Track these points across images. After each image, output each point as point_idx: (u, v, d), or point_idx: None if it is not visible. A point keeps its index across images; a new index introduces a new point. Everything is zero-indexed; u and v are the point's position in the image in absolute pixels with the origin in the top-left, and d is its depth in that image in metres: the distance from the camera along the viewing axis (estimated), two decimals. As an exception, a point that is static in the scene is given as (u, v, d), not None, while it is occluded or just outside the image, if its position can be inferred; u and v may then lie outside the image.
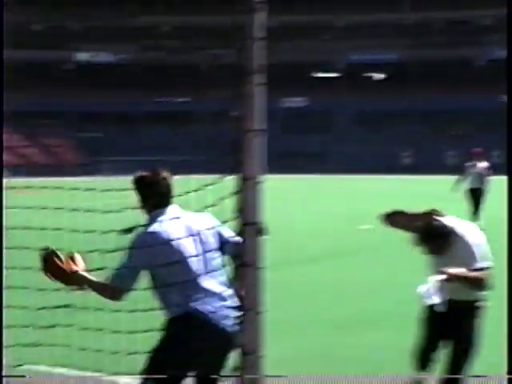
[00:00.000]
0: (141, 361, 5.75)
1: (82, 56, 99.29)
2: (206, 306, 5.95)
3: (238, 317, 5.11)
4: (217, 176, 4.91)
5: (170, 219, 6.00)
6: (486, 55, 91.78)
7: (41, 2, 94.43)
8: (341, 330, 11.75)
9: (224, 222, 4.84)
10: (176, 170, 5.84)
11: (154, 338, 5.79)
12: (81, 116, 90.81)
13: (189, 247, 5.99)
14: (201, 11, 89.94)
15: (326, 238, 24.12)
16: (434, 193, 34.58)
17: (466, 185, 26.36)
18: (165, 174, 6.20)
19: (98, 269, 5.41)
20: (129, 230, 5.25)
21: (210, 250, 6.06)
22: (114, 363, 6.32)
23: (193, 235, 6.03)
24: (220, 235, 6.10)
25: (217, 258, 6.10)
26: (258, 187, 4.70)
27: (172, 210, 6.12)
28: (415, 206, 29.25)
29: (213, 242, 6.09)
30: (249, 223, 4.71)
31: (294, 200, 40.56)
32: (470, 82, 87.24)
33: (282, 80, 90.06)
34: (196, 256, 5.98)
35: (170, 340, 5.95)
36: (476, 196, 25.99)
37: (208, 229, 6.06)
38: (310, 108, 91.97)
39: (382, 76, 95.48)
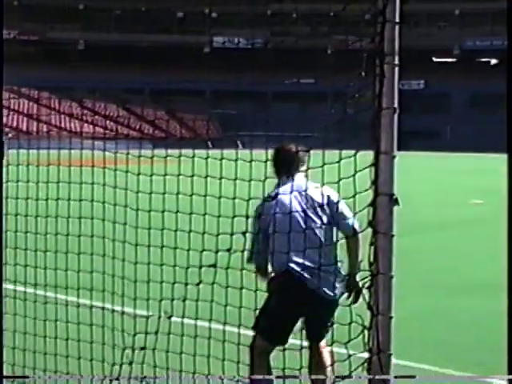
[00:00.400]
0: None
1: (219, 40, 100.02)
2: (299, 268, 5.94)
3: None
4: (351, 151, 4.87)
5: (293, 190, 5.93)
6: None
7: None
8: (453, 294, 11.61)
9: (356, 194, 4.78)
10: (308, 145, 5.81)
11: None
12: (215, 95, 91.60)
13: (302, 217, 5.94)
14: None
15: (444, 209, 23.91)
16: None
17: None
18: (293, 147, 6.19)
19: (243, 232, 5.41)
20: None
21: (322, 223, 5.99)
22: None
23: (309, 207, 5.96)
24: (335, 211, 6.00)
25: (327, 231, 6.04)
26: (392, 161, 4.65)
27: (298, 180, 6.06)
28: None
29: (326, 216, 6.01)
30: (383, 194, 4.67)
31: (416, 175, 40.26)
32: None
33: (402, 64, 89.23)
34: (306, 226, 5.91)
35: (271, 294, 6.00)
36: None
37: (324, 203, 5.97)
38: (427, 90, 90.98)
39: (495, 61, 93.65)
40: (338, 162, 4.97)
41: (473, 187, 32.18)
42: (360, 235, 5.84)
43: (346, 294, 6.10)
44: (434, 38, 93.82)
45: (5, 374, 5.83)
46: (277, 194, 6.00)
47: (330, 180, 5.23)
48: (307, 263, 5.93)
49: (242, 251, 5.51)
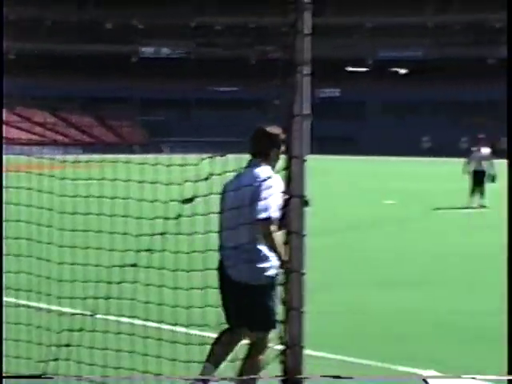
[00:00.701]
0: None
1: (147, 50, 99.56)
2: (224, 257, 5.69)
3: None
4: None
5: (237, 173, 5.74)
6: (497, 54, 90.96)
7: (112, 2, 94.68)
8: (370, 290, 11.69)
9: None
10: (227, 150, 5.75)
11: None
12: (143, 102, 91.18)
13: (228, 200, 5.68)
14: (251, 12, 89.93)
15: (359, 209, 24.06)
16: (448, 174, 34.41)
17: (471, 167, 26.05)
18: (266, 129, 5.86)
19: (161, 233, 5.36)
20: (188, 200, 5.20)
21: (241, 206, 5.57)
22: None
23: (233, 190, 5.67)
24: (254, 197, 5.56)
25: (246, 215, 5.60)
26: (303, 165, 4.68)
27: (249, 163, 5.81)
28: (431, 183, 29.21)
29: (247, 199, 5.60)
30: (295, 196, 4.70)
31: (331, 178, 40.54)
32: (484, 77, 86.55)
33: (318, 73, 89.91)
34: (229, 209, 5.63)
35: None
36: (479, 178, 25.69)
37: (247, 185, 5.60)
38: (342, 98, 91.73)
39: (405, 71, 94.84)
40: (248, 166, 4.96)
41: (385, 188, 32.51)
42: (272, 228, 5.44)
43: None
44: (348, 49, 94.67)
45: None
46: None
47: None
48: (228, 246, 5.63)
49: (163, 251, 5.47)
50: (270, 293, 5.62)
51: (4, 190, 6.24)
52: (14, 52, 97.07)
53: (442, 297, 11.22)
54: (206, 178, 5.03)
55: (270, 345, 5.76)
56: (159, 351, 5.57)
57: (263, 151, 5.84)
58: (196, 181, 5.00)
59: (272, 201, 5.46)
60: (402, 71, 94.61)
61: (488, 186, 25.67)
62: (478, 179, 25.65)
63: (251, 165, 5.83)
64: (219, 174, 5.22)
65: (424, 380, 7.23)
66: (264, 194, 5.52)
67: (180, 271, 5.35)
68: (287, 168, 4.71)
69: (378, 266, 13.87)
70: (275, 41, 4.83)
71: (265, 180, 5.58)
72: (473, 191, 25.59)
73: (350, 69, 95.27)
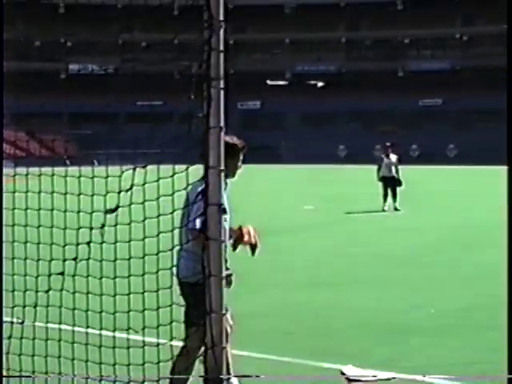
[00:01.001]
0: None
1: (74, 67, 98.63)
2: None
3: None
4: (185, 166, 4.86)
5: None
6: (405, 67, 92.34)
7: (40, 20, 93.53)
8: (292, 291, 11.74)
9: (189, 205, 4.77)
10: (152, 161, 5.71)
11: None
12: (72, 117, 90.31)
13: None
14: (171, 29, 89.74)
15: (280, 214, 24.15)
16: (363, 179, 34.70)
17: (381, 173, 26.41)
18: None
19: (88, 242, 5.31)
20: (112, 210, 5.16)
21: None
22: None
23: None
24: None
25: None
26: (219, 174, 4.69)
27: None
28: (348, 189, 29.43)
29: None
30: (212, 204, 4.71)
31: (253, 185, 40.60)
32: (395, 88, 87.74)
33: (240, 86, 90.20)
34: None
35: None
36: (389, 183, 26.04)
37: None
38: (263, 110, 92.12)
39: (321, 83, 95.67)
40: (172, 176, 4.96)
41: (305, 194, 32.72)
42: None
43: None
44: (268, 63, 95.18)
45: None
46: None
47: (165, 192, 5.19)
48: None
49: (88, 259, 5.41)
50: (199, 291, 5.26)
51: None
52: None
53: (358, 295, 11.34)
54: (129, 189, 5.00)
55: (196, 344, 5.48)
56: (87, 355, 5.52)
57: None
58: (119, 192, 4.97)
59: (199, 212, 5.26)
60: (320, 84, 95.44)
61: (400, 191, 26.12)
62: (388, 185, 26.07)
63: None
64: (143, 185, 5.20)
65: (342, 373, 7.31)
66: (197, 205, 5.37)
67: (105, 278, 5.31)
68: (204, 178, 4.72)
69: (298, 269, 13.96)
70: (195, 57, 4.83)
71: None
72: (385, 196, 25.98)
73: (270, 82, 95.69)
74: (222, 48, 4.71)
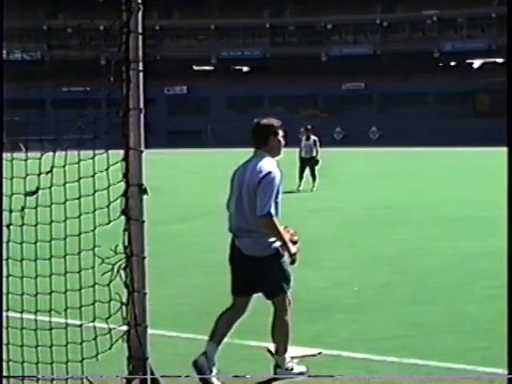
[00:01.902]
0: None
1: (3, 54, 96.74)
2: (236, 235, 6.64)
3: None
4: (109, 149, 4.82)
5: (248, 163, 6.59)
6: (329, 52, 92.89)
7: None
8: (215, 272, 11.70)
9: (110, 186, 4.73)
10: (77, 146, 5.62)
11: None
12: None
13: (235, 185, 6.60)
14: (95, 14, 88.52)
15: (207, 198, 24.06)
16: (288, 161, 34.81)
17: (301, 154, 26.98)
18: (261, 121, 6.52)
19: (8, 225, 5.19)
20: (32, 193, 5.06)
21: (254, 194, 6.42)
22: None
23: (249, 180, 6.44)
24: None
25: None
26: (140, 155, 4.66)
27: (255, 154, 6.55)
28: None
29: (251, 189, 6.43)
30: (133, 185, 4.67)
31: (180, 169, 40.51)
32: (318, 73, 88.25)
33: (167, 72, 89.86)
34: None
35: None
36: (308, 164, 26.63)
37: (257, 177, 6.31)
38: (190, 95, 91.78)
39: (247, 69, 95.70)
40: (92, 158, 4.90)
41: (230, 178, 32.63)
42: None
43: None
44: (194, 49, 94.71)
45: None
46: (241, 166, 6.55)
47: (86, 174, 5.12)
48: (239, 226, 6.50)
49: (8, 242, 5.23)
50: (279, 261, 6.39)
51: None
52: None
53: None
54: (48, 172, 4.93)
55: (290, 306, 6.60)
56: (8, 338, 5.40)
57: (262, 141, 6.41)
58: (39, 174, 4.89)
59: (271, 195, 6.19)
60: (245, 69, 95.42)
61: (319, 172, 26.58)
62: (306, 165, 26.62)
63: (257, 155, 6.42)
64: (63, 167, 5.14)
65: (268, 350, 7.34)
66: (264, 188, 6.19)
67: (27, 260, 5.21)
68: (125, 159, 4.68)
69: (225, 250, 13.93)
70: (116, 41, 4.77)
71: (266, 174, 6.21)
72: (301, 177, 26.45)
73: (196, 67, 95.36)
74: (140, 30, 4.66)
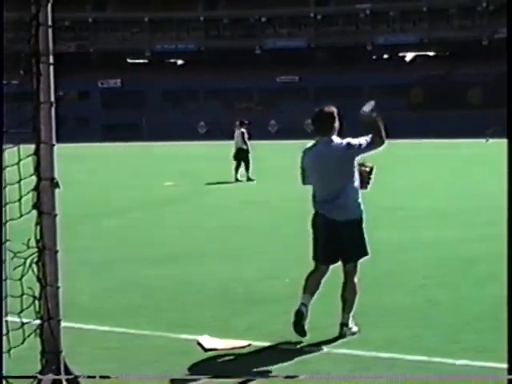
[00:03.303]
0: None
1: None
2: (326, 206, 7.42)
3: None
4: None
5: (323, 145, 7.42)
6: (263, 46, 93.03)
7: None
8: (150, 265, 11.64)
9: (21, 180, 4.66)
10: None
11: None
12: None
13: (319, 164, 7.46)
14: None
15: (142, 191, 23.96)
16: (223, 155, 34.83)
17: (235, 146, 28.04)
18: (327, 109, 7.38)
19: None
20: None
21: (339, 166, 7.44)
22: None
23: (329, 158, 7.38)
24: (351, 149, 7.40)
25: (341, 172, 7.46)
26: (52, 149, 4.62)
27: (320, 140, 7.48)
28: (207, 164, 29.42)
29: (342, 159, 7.47)
30: (45, 178, 4.64)
31: (116, 162, 40.18)
32: (251, 66, 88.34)
33: (100, 65, 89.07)
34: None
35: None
36: (241, 155, 27.54)
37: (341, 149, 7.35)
38: (124, 88, 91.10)
39: (181, 61, 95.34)
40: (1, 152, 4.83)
41: (166, 171, 32.57)
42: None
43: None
44: (128, 42, 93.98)
45: None
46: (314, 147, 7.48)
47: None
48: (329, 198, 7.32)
49: None
50: (363, 226, 7.42)
51: None
52: None
53: (215, 268, 11.35)
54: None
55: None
56: None
57: (329, 128, 7.34)
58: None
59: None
60: (180, 62, 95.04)
61: (252, 163, 27.30)
62: (240, 156, 27.50)
63: (326, 141, 7.34)
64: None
65: (198, 343, 7.35)
66: (355, 142, 7.27)
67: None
68: (36, 153, 4.64)
69: (161, 243, 13.87)
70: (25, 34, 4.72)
71: (345, 141, 7.31)
72: (236, 167, 27.34)
73: (130, 60, 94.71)
74: (50, 23, 4.62)
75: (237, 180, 26.62)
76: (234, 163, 27.58)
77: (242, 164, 27.36)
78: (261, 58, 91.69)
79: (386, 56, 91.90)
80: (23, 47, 4.64)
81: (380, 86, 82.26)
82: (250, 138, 28.26)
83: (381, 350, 6.98)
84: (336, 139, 7.30)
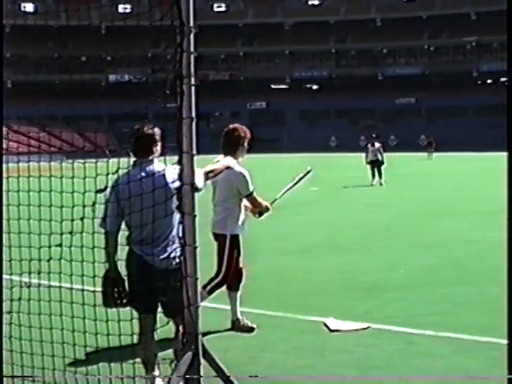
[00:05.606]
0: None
1: (113, 77, 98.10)
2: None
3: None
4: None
5: (142, 173, 5.13)
6: (384, 73, 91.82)
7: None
8: (286, 256, 11.46)
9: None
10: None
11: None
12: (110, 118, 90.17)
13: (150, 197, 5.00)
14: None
15: (292, 194, 23.76)
16: (353, 165, 34.56)
17: (369, 159, 28.49)
18: (144, 130, 5.29)
19: (81, 218, 4.88)
20: (102, 190, 4.83)
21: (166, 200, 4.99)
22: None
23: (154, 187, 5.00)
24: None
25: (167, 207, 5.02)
26: (192, 158, 4.47)
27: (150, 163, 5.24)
28: (336, 172, 29.04)
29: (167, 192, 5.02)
30: (186, 184, 4.49)
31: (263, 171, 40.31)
32: (375, 90, 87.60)
33: (249, 90, 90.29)
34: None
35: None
36: (374, 165, 28.04)
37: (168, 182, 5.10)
38: (269, 109, 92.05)
39: (316, 87, 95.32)
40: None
41: (310, 178, 32.30)
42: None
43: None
44: (271, 70, 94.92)
45: None
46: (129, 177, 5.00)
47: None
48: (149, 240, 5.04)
49: (81, 233, 4.94)
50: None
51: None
52: (10, 82, 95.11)
53: (340, 260, 11.18)
54: (115, 172, 4.75)
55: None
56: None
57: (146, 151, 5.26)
58: (107, 174, 4.71)
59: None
60: (315, 87, 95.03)
61: (384, 170, 27.77)
62: (374, 166, 27.97)
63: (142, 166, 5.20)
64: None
65: (324, 324, 7.15)
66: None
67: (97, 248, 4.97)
68: (179, 161, 4.50)
69: (295, 238, 13.77)
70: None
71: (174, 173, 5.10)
72: (373, 175, 27.87)
73: (274, 86, 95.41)
74: (192, 49, 4.46)
75: (372, 185, 27.01)
76: (368, 171, 28.04)
77: (376, 172, 27.77)
78: (382, 83, 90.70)
79: (489, 81, 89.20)
80: (170, 72, 4.49)
81: (483, 106, 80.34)
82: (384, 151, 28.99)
83: (479, 334, 6.71)
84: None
